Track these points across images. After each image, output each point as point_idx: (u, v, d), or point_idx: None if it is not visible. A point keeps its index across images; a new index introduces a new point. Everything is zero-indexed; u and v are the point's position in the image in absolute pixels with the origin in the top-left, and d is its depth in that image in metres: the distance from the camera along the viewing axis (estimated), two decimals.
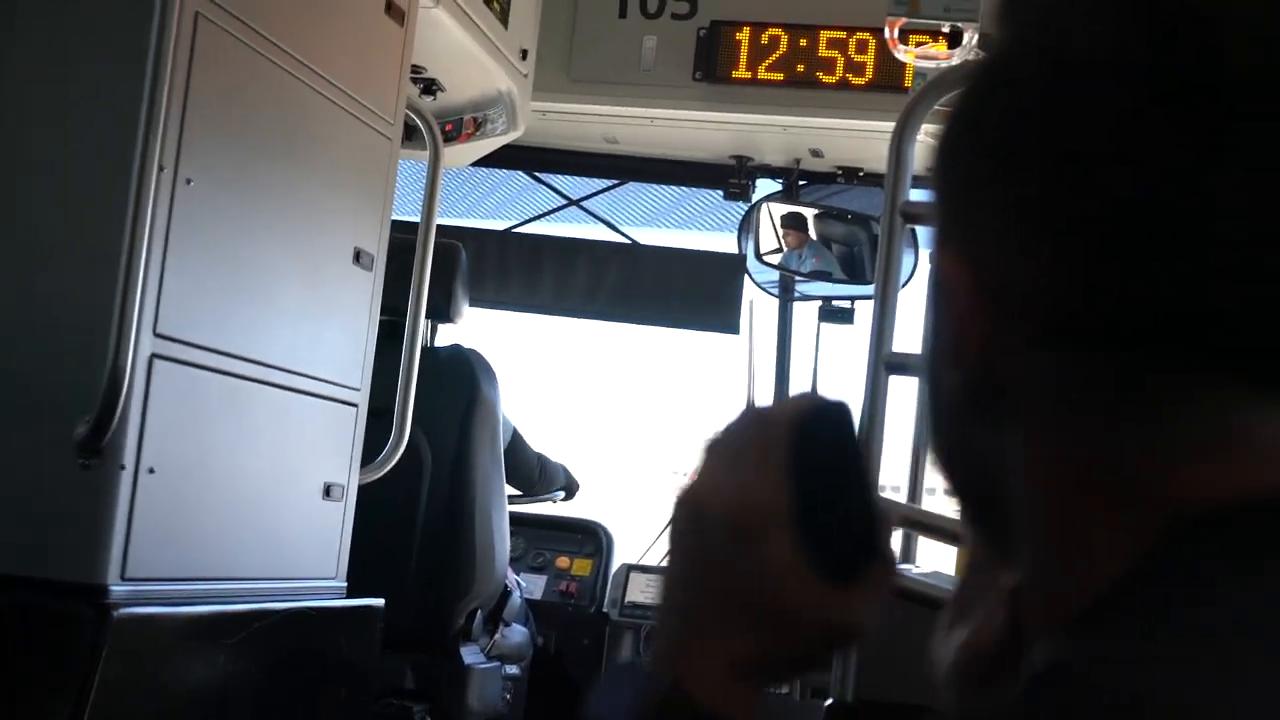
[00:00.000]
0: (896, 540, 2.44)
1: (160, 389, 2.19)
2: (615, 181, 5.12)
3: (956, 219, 0.70)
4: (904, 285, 4.71)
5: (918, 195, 2.17)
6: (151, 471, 2.18)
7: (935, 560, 2.53)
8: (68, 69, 2.21)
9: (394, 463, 3.08)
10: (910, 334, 2.38)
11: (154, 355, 2.18)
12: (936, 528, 1.68)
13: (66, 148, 2.21)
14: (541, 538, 4.96)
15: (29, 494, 2.15)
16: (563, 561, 4.89)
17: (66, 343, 2.17)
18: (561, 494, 4.66)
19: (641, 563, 4.89)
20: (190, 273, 2.26)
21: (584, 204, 5.18)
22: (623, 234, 5.17)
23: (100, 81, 2.19)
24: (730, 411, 0.87)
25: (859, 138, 4.41)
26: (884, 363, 1.61)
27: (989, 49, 0.70)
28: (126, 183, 2.09)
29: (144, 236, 2.09)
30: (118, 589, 2.12)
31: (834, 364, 5.52)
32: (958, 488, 0.74)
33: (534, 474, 4.45)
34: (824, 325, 5.02)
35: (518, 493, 4.45)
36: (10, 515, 2.15)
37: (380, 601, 2.90)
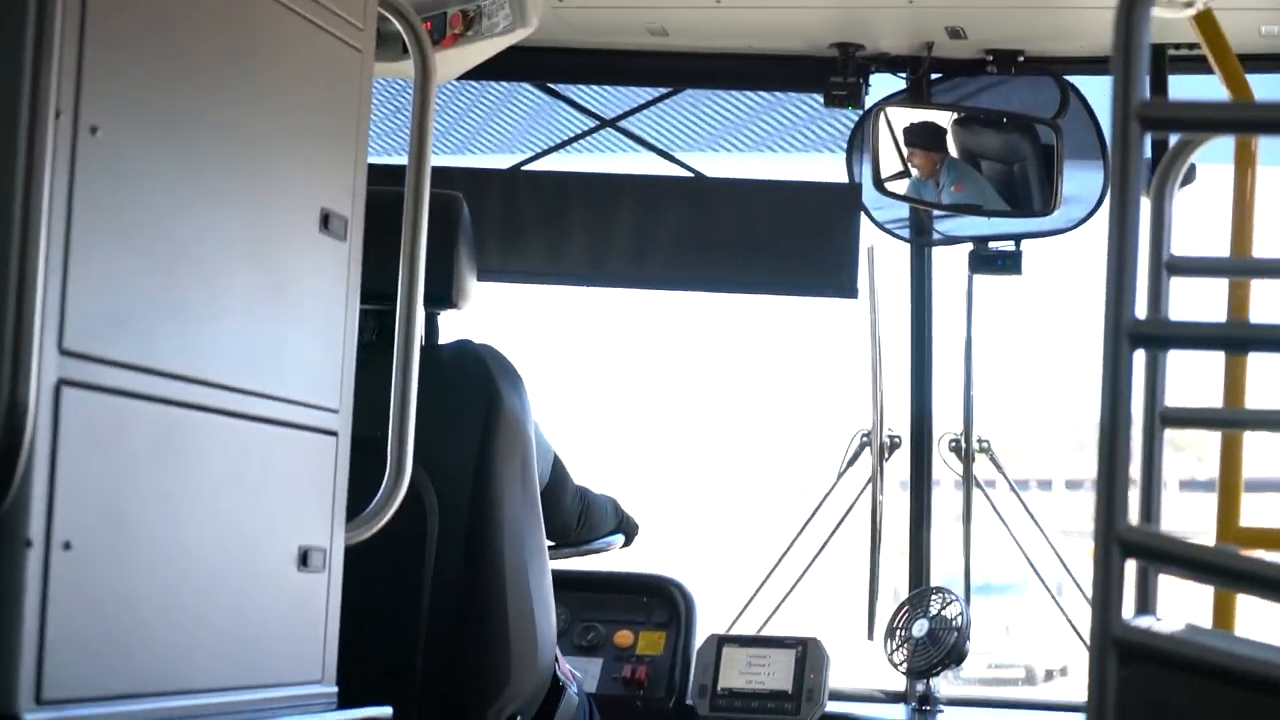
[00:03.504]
0: (1129, 579, 2.44)
1: (72, 429, 2.20)
2: (666, 90, 5.12)
3: None
4: (1083, 221, 4.75)
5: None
6: (67, 547, 2.18)
7: (1181, 606, 2.52)
8: None
9: (391, 513, 3.08)
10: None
11: (61, 381, 2.18)
12: (1188, 560, 1.67)
13: None
14: (591, 604, 4.96)
15: None
16: (623, 637, 4.89)
17: None
18: (619, 539, 4.65)
19: (735, 631, 4.89)
20: (103, 260, 2.26)
21: (623, 124, 5.18)
22: (682, 164, 5.17)
23: None
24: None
25: (1017, 7, 4.40)
26: (1127, 334, 1.60)
27: None
28: (11, 139, 2.10)
29: (40, 213, 2.09)
30: (34, 717, 2.13)
31: (996, 333, 5.51)
32: None
33: (573, 518, 4.43)
34: (977, 277, 5.03)
35: (550, 544, 4.45)
36: None
37: (387, 711, 2.91)
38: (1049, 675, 19.04)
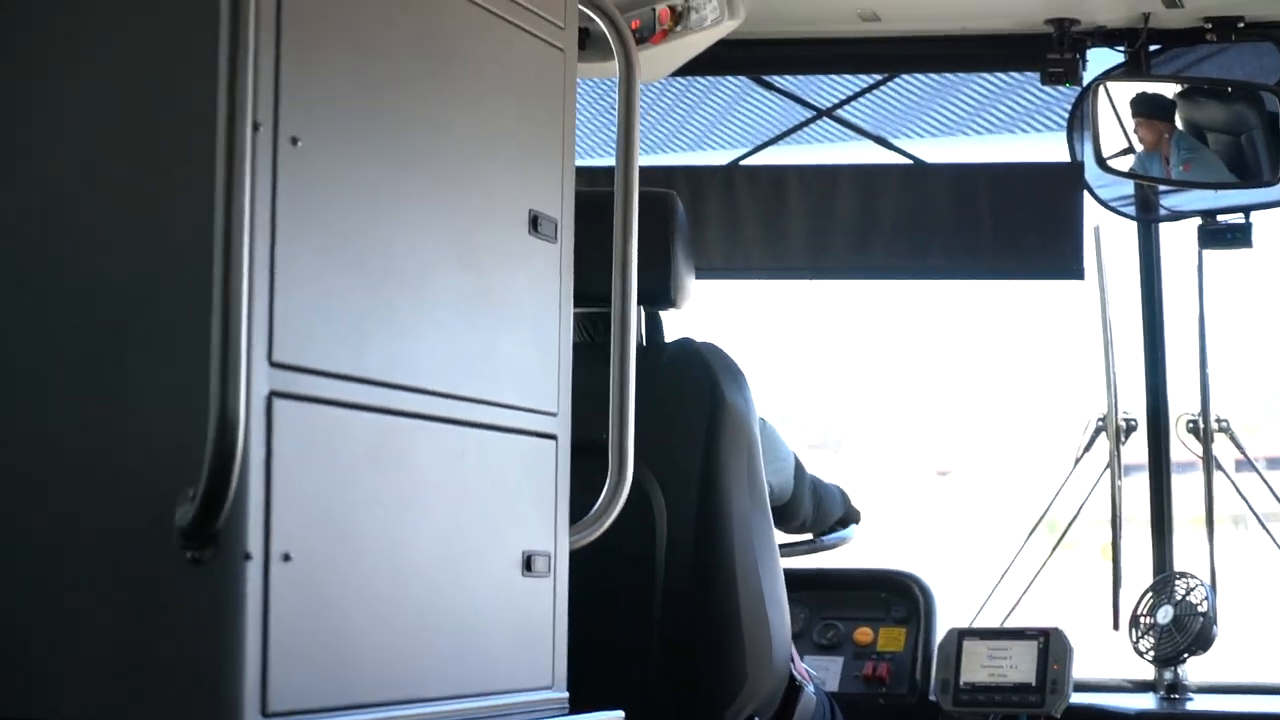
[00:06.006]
0: None
1: (286, 440, 2.20)
2: (881, 77, 5.09)
3: None
4: None
5: None
6: (287, 559, 2.19)
7: None
8: (123, 19, 2.27)
9: (615, 515, 3.07)
10: None
11: (273, 393, 2.19)
12: None
13: (123, 114, 2.26)
14: (829, 602, 4.94)
15: (118, 608, 2.19)
16: (863, 634, 4.87)
17: (147, 388, 2.20)
18: (851, 534, 4.63)
19: (977, 625, 4.82)
20: (310, 271, 2.27)
21: (840, 113, 5.14)
22: (900, 151, 5.13)
23: (163, 20, 2.23)
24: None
25: None
26: None
27: None
28: (210, 153, 2.10)
29: (242, 226, 2.09)
30: None
31: (1228, 306, 5.39)
32: None
33: (810, 511, 4.42)
34: (1207, 252, 4.92)
35: (786, 540, 4.43)
36: (96, 640, 2.20)
37: (619, 715, 2.89)
38: None
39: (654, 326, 3.88)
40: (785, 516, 4.28)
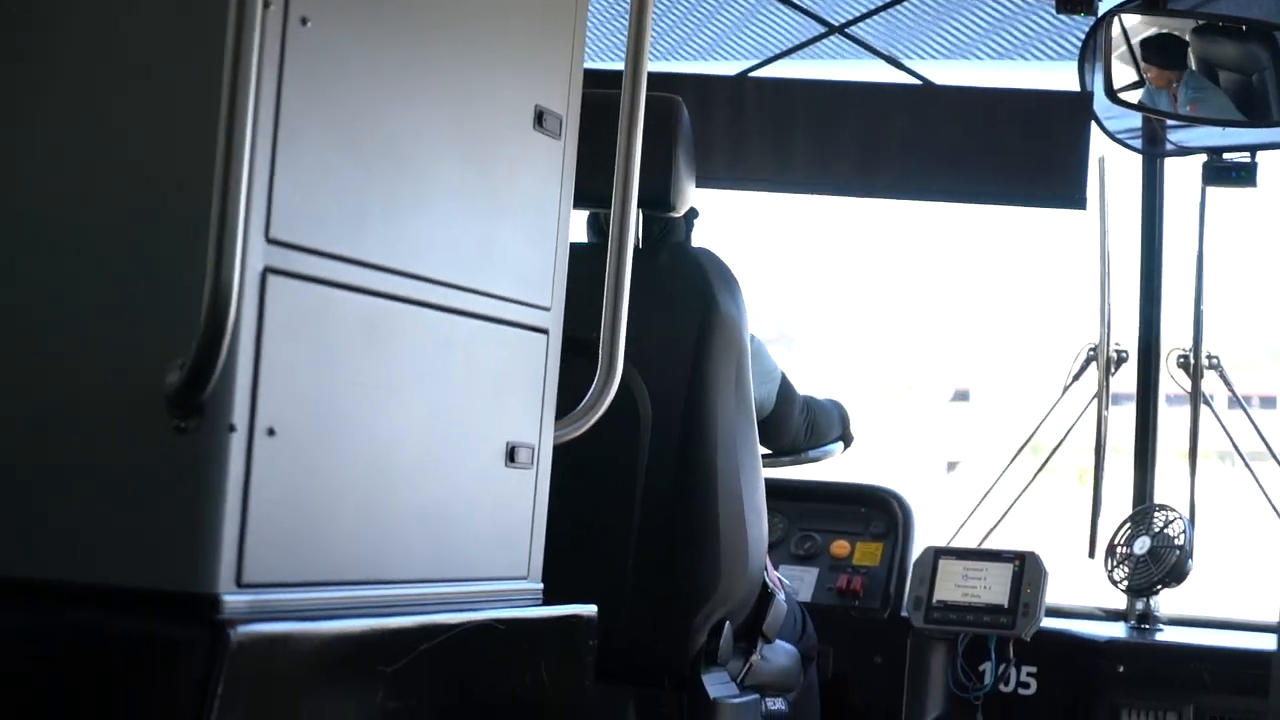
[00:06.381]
0: None
1: (278, 317, 2.22)
2: None
3: None
4: None
5: None
6: (272, 433, 2.21)
7: None
8: None
9: (601, 412, 3.08)
10: None
11: (267, 269, 2.20)
12: None
13: None
14: (809, 514, 4.96)
15: (104, 472, 2.20)
16: (840, 547, 4.89)
17: (143, 257, 2.21)
18: (838, 447, 4.64)
19: (954, 544, 4.85)
20: (312, 153, 2.27)
21: (851, 30, 5.12)
22: (910, 71, 5.11)
23: None
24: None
25: None
26: None
27: None
28: (220, 29, 2.11)
29: (247, 104, 2.10)
30: (234, 600, 2.16)
31: (1228, 244, 5.39)
32: None
33: (801, 432, 4.44)
34: (1211, 190, 4.92)
35: (767, 452, 4.45)
36: (80, 502, 2.22)
37: (592, 610, 2.92)
38: None
39: (688, 229, 3.90)
40: (769, 434, 4.28)
